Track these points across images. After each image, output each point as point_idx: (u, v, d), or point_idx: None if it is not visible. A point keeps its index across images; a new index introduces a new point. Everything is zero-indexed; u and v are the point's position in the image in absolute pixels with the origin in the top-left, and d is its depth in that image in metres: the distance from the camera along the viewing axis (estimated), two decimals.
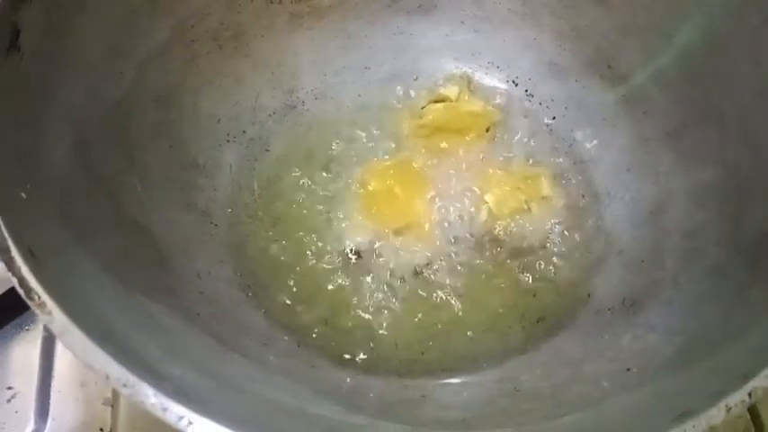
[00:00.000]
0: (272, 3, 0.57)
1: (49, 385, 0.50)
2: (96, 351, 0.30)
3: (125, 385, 0.29)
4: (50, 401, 0.50)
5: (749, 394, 0.32)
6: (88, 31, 0.45)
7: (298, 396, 0.40)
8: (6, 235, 0.32)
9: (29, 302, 0.31)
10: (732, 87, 0.48)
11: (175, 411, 0.29)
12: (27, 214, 0.35)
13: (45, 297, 0.31)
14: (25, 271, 0.31)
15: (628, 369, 0.41)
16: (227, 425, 0.28)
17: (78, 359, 0.30)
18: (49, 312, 0.30)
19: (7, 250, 0.32)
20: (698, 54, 0.50)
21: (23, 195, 0.36)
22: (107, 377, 0.29)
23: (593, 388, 0.41)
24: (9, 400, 0.49)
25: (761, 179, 0.45)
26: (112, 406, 0.49)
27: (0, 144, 0.36)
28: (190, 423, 0.28)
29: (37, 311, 0.30)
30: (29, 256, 0.32)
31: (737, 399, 0.31)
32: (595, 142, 0.57)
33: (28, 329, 0.52)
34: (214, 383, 0.36)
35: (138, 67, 0.50)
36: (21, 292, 0.31)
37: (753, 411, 0.51)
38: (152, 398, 0.29)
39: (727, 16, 0.47)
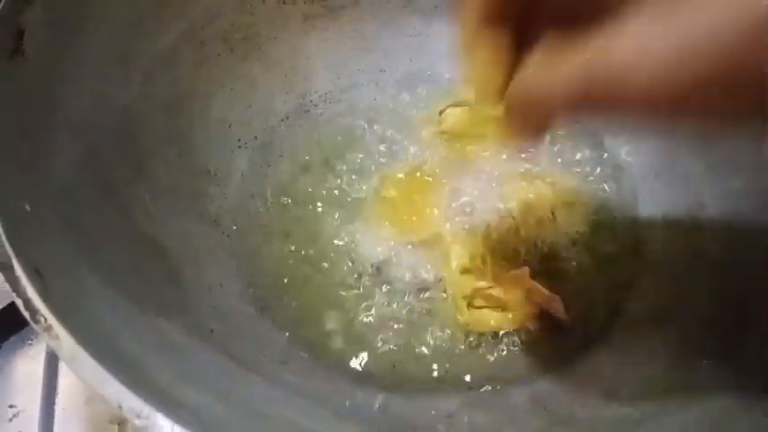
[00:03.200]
0: (284, 3, 0.56)
1: (54, 402, 0.48)
2: (107, 378, 0.28)
3: (138, 416, 0.27)
4: (54, 420, 0.48)
5: None
6: (94, 33, 0.44)
7: (318, 419, 0.38)
8: (10, 251, 0.30)
9: (34, 326, 0.29)
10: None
11: None
12: (32, 228, 0.34)
13: (52, 320, 0.29)
14: (31, 291, 0.29)
15: (665, 389, 0.39)
16: None
17: (88, 387, 0.28)
18: (57, 336, 0.28)
19: (11, 268, 0.30)
20: None
21: (28, 208, 0.34)
22: (120, 407, 0.27)
23: (629, 411, 0.39)
24: (11, 419, 0.47)
25: None
26: (119, 424, 0.47)
27: (3, 153, 0.35)
28: None
29: (43, 335, 0.28)
30: (34, 274, 0.30)
31: None
32: (624, 146, 0.55)
33: (31, 344, 0.50)
34: (231, 407, 0.34)
35: (146, 71, 0.48)
36: (26, 314, 0.29)
37: None
38: (167, 429, 0.27)
39: None
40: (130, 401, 0.27)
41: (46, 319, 0.29)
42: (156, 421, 0.27)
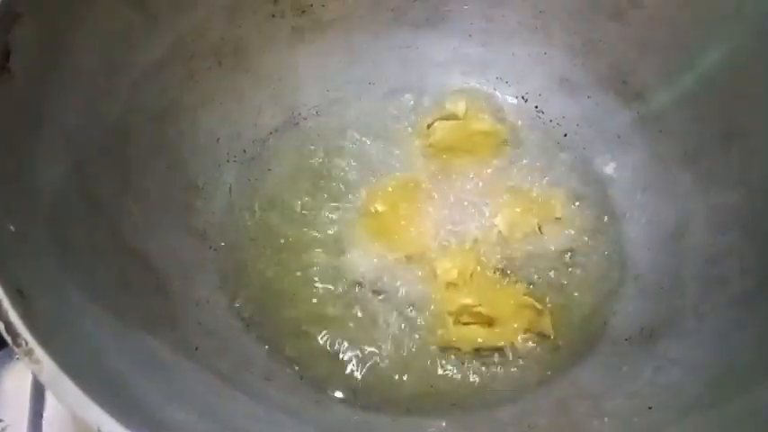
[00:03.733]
0: (273, 17, 0.56)
1: (41, 417, 0.48)
2: (88, 403, 0.28)
3: None
4: None
5: None
6: (83, 48, 0.44)
7: None
8: None
9: (15, 349, 0.29)
10: (757, 107, 0.46)
11: None
12: (16, 248, 0.33)
13: (33, 344, 0.29)
14: (12, 315, 0.29)
15: (650, 408, 0.39)
16: None
17: (69, 410, 0.28)
18: (38, 361, 0.28)
19: None
20: (721, 73, 0.48)
21: (12, 228, 0.34)
22: (99, 431, 0.27)
23: (614, 426, 0.39)
24: None
25: None
26: None
27: None
28: None
29: (24, 360, 0.28)
30: (17, 296, 0.30)
31: None
32: (610, 161, 0.56)
33: (18, 359, 0.50)
34: (215, 426, 0.34)
35: (134, 84, 0.48)
36: (7, 338, 0.29)
37: None
38: None
39: (754, 34, 0.46)
40: (110, 426, 0.27)
41: (27, 343, 0.29)
42: None
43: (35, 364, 0.28)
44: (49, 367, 0.28)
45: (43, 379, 0.28)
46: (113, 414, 0.27)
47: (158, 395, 0.33)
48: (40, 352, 0.28)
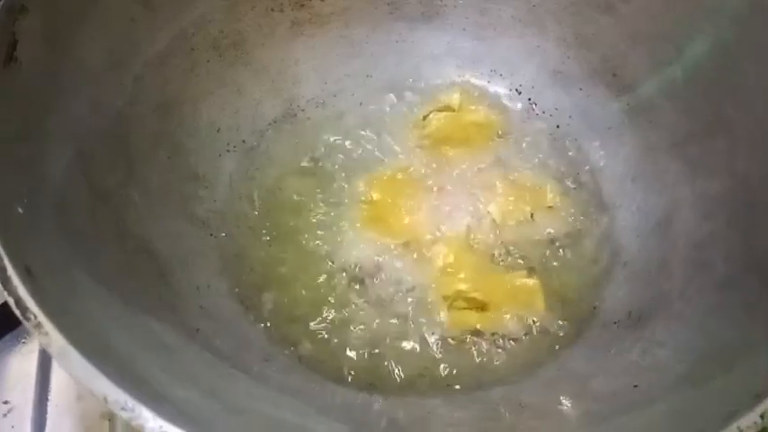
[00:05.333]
0: (272, 10, 0.57)
1: (46, 399, 0.50)
2: (94, 373, 0.29)
3: (123, 408, 0.28)
4: (47, 415, 0.49)
5: (761, 416, 0.31)
6: (87, 40, 0.45)
7: (301, 414, 0.40)
8: (2, 252, 0.31)
9: (25, 323, 0.30)
10: (741, 98, 0.47)
11: None
12: (25, 229, 0.35)
13: (42, 317, 0.30)
14: (22, 290, 0.30)
15: (636, 386, 0.40)
16: None
17: (76, 381, 0.29)
18: (46, 333, 0.30)
19: (3, 268, 0.31)
20: (707, 64, 0.49)
21: (20, 210, 0.35)
22: (105, 400, 0.28)
23: (600, 405, 0.40)
24: (5, 415, 0.49)
25: None
26: (110, 420, 0.48)
27: None
28: None
29: (34, 332, 0.30)
30: (26, 274, 0.31)
31: (750, 420, 0.30)
32: (601, 151, 0.57)
33: (24, 342, 0.51)
34: (216, 403, 0.35)
35: (137, 76, 0.49)
36: (17, 312, 0.30)
37: None
38: (151, 421, 0.28)
39: (738, 27, 0.47)
40: (115, 395, 0.28)
41: (36, 317, 0.30)
42: (140, 413, 0.28)
43: (44, 336, 0.30)
44: (56, 340, 0.29)
45: (51, 351, 0.30)
46: (119, 384, 0.29)
47: (160, 373, 0.34)
48: (48, 325, 0.30)
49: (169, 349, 0.39)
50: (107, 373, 0.29)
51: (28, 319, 0.30)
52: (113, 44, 0.47)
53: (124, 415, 0.28)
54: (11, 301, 0.30)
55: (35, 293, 0.31)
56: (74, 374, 0.29)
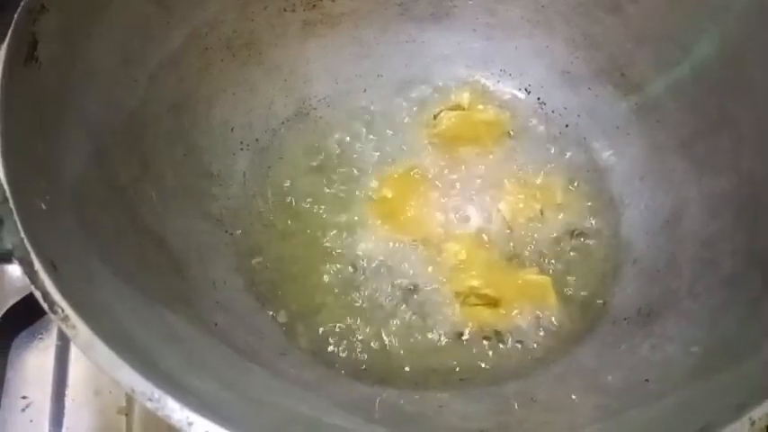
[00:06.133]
0: (284, 11, 0.58)
1: (64, 394, 0.50)
2: (122, 365, 0.30)
3: (150, 399, 0.29)
4: (65, 410, 0.50)
5: None
6: (104, 40, 0.46)
7: (316, 407, 0.40)
8: (29, 248, 0.32)
9: (52, 316, 0.31)
10: (747, 97, 0.48)
11: (200, 425, 0.29)
12: (47, 226, 0.35)
13: (69, 311, 0.30)
14: (49, 284, 0.31)
15: (646, 380, 0.41)
16: None
17: (104, 373, 0.30)
18: (73, 326, 0.30)
19: (30, 264, 0.31)
20: (713, 64, 0.50)
21: (43, 206, 0.36)
22: (133, 391, 0.29)
23: (611, 399, 0.41)
24: (23, 410, 0.49)
25: None
26: (127, 414, 0.49)
27: (20, 154, 0.36)
28: None
29: (62, 326, 0.30)
30: (51, 268, 0.32)
31: (761, 412, 0.31)
32: (609, 150, 0.58)
33: (41, 338, 0.52)
34: (233, 395, 0.36)
35: (152, 75, 0.50)
36: (44, 306, 0.31)
37: None
38: (178, 412, 0.29)
39: (743, 26, 0.48)
40: (142, 386, 0.29)
41: (63, 310, 0.31)
42: (166, 404, 0.29)
43: (71, 329, 0.30)
44: (83, 332, 0.30)
45: (78, 343, 0.30)
46: (145, 375, 0.29)
47: (179, 365, 0.35)
48: (75, 318, 0.30)
49: (187, 342, 0.39)
50: (133, 364, 0.30)
51: (55, 312, 0.31)
52: (128, 43, 0.48)
53: (150, 405, 0.29)
54: (38, 295, 0.31)
55: (60, 286, 0.31)
56: (101, 366, 0.30)
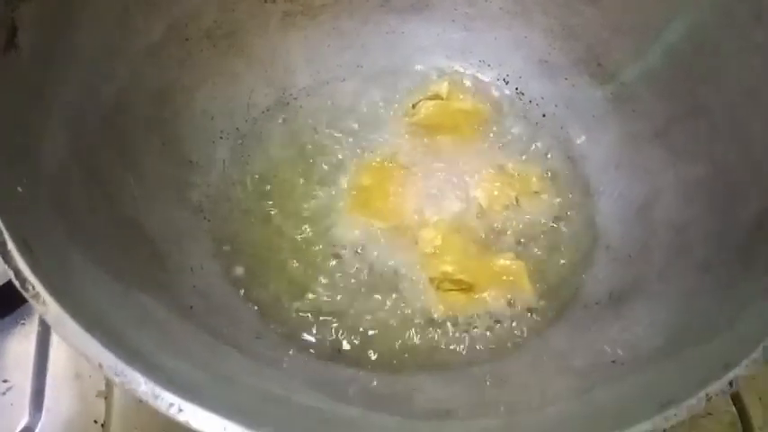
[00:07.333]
0: (265, 2, 0.58)
1: (44, 378, 0.51)
2: (89, 340, 0.30)
3: (117, 374, 0.30)
4: (45, 394, 0.50)
5: (730, 383, 0.32)
6: (84, 29, 0.46)
7: (289, 388, 0.41)
8: (3, 227, 0.32)
9: (24, 293, 0.31)
10: (720, 84, 0.48)
11: (166, 398, 0.29)
12: (23, 209, 0.36)
13: (40, 288, 0.31)
14: (20, 263, 0.32)
15: (613, 361, 0.42)
16: (216, 411, 0.29)
17: (72, 348, 0.30)
18: (44, 303, 0.31)
19: (3, 243, 0.32)
20: (686, 51, 0.51)
21: (19, 189, 0.36)
22: (100, 365, 0.30)
23: (580, 380, 0.42)
24: (4, 393, 0.50)
25: (750, 175, 0.46)
26: (106, 398, 0.50)
27: None
28: (180, 410, 0.29)
29: (32, 302, 0.31)
30: (24, 248, 0.33)
31: (718, 388, 0.32)
32: (585, 139, 0.58)
33: (23, 324, 0.52)
34: (206, 374, 0.36)
35: (132, 64, 0.50)
36: (16, 283, 0.31)
37: (739, 406, 0.51)
38: (143, 385, 0.29)
39: (716, 13, 0.48)
40: (109, 360, 0.30)
41: (34, 287, 0.31)
42: (132, 377, 0.29)
43: (41, 305, 0.31)
44: (53, 309, 0.31)
45: (49, 319, 0.31)
46: (113, 351, 0.30)
47: (152, 345, 0.35)
48: (45, 295, 0.31)
49: (161, 324, 0.40)
50: (101, 339, 0.30)
51: (26, 290, 0.31)
52: (108, 32, 0.48)
53: (117, 380, 0.30)
54: (10, 273, 0.32)
55: (34, 266, 0.32)
56: (69, 341, 0.30)
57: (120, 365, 0.30)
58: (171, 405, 0.29)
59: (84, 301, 0.34)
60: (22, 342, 0.52)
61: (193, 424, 0.29)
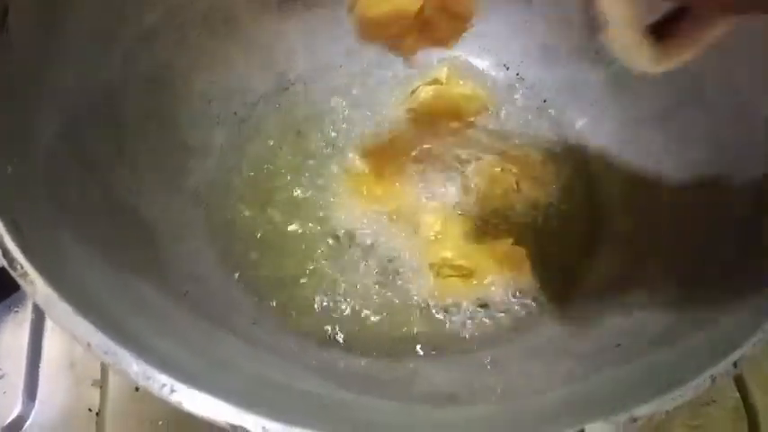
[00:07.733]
0: None
1: (38, 367, 0.50)
2: (78, 320, 0.29)
3: (107, 353, 0.29)
4: (39, 383, 0.50)
5: (734, 364, 0.31)
6: (78, 12, 0.45)
7: (287, 373, 0.40)
8: None
9: (12, 272, 0.31)
10: (719, 66, 0.47)
11: (158, 379, 0.28)
12: (13, 188, 0.35)
13: (28, 267, 0.30)
14: (8, 241, 0.31)
15: (617, 345, 0.41)
16: (209, 392, 0.28)
17: (61, 328, 0.30)
18: (32, 282, 0.30)
19: None
20: None
21: (9, 169, 0.36)
22: (88, 345, 0.29)
23: (581, 365, 0.41)
24: None
25: (751, 160, 0.45)
26: (101, 387, 0.49)
27: None
28: (173, 391, 0.28)
29: (20, 282, 0.30)
30: (13, 228, 0.32)
31: (722, 369, 0.31)
32: (586, 124, 0.58)
33: (17, 311, 0.52)
34: (202, 359, 0.36)
35: (127, 50, 0.50)
36: (4, 262, 0.31)
37: (742, 393, 0.50)
38: (134, 366, 0.29)
39: None
40: (98, 339, 0.29)
41: (22, 266, 0.30)
42: (123, 357, 0.29)
43: (30, 285, 0.30)
44: (41, 288, 0.30)
45: (37, 299, 0.30)
46: (104, 332, 0.29)
47: (146, 328, 0.35)
48: (34, 274, 0.30)
49: (156, 308, 0.39)
50: (92, 320, 0.29)
51: (15, 269, 0.31)
52: (103, 17, 0.47)
53: (107, 359, 0.29)
54: None
55: (23, 246, 0.31)
56: (58, 322, 0.30)
57: (111, 345, 0.29)
58: (163, 386, 0.28)
59: (76, 282, 0.34)
60: (16, 331, 0.51)
61: (186, 405, 0.28)
